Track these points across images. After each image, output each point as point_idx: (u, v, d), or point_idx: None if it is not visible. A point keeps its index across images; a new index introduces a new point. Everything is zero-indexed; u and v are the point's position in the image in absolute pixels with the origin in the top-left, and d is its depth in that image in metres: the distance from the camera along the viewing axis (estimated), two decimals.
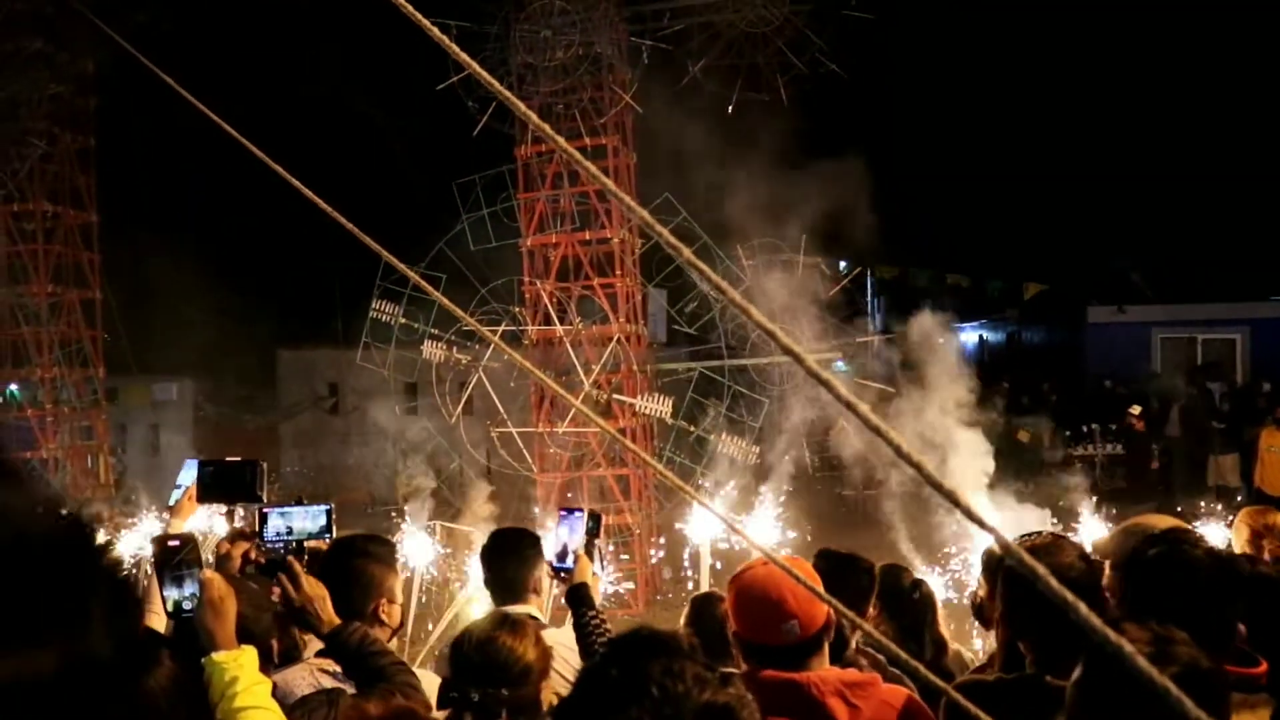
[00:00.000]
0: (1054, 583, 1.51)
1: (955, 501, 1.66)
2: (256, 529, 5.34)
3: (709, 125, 20.74)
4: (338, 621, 4.75)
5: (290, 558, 4.88)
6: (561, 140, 2.24)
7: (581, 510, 6.22)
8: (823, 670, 3.85)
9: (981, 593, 5.36)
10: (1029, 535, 4.91)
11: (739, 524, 11.19)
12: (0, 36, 21.31)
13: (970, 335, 49.81)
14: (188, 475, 5.96)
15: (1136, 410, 27.58)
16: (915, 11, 20.56)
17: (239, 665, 3.86)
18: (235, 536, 5.65)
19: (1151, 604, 3.67)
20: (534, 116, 2.33)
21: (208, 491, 5.83)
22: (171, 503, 6.05)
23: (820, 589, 3.25)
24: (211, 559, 5.44)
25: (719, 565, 11.70)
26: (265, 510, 5.33)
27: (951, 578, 11.81)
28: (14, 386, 25.25)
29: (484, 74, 2.24)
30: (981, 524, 1.65)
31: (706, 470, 20.19)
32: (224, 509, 5.82)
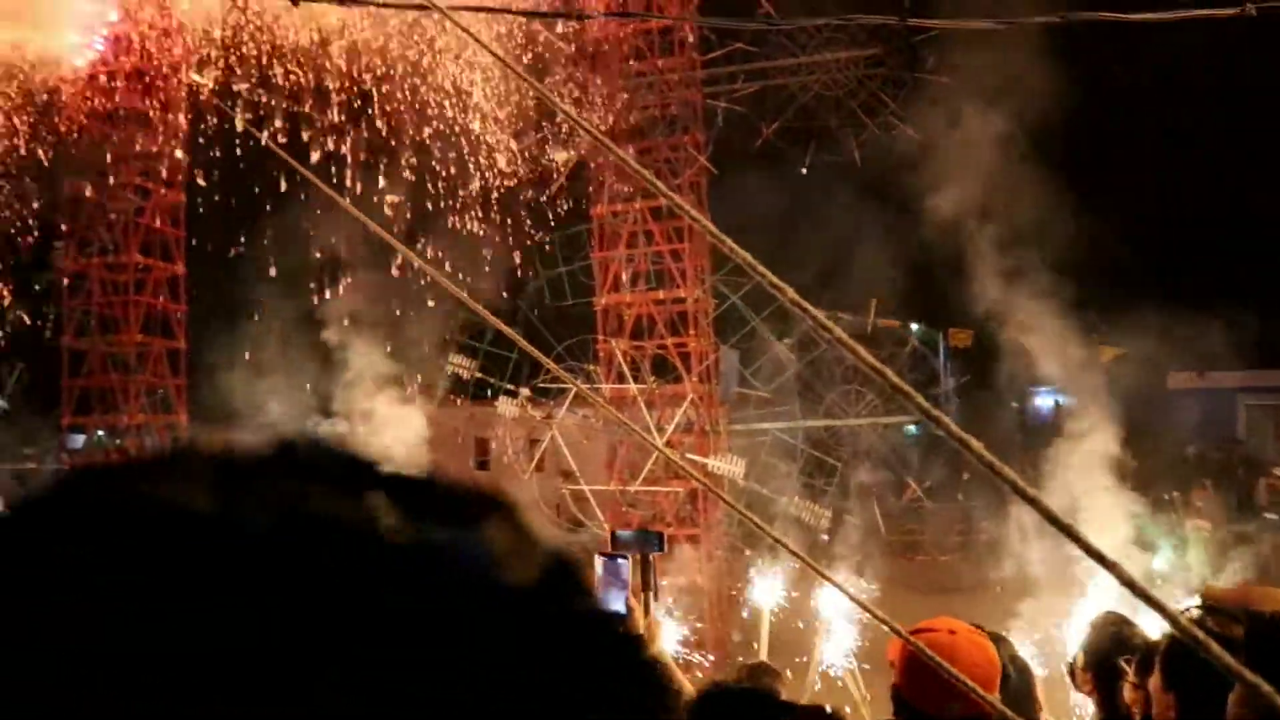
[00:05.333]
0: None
1: (1081, 542, 1.61)
2: None
3: (782, 185, 20.86)
4: None
5: None
6: (648, 175, 2.32)
7: (625, 557, 5.44)
8: None
9: (1123, 682, 4.39)
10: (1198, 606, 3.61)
11: (847, 591, 11.00)
12: (104, 97, 22.22)
13: (1045, 400, 49.03)
14: None
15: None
16: (989, 72, 20.52)
17: None
18: None
19: None
20: (618, 151, 2.41)
21: None
22: None
23: (997, 675, 3.23)
24: None
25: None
26: None
27: (1037, 644, 11.54)
28: (101, 432, 25.96)
29: (565, 108, 2.34)
30: (1111, 567, 1.55)
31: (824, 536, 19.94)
32: None
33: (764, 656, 8.74)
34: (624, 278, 22.11)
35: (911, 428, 28.10)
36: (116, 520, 0.55)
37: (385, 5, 8.38)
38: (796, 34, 21.63)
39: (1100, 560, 1.58)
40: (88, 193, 22.98)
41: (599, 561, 5.40)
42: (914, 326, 31.97)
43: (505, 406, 21.95)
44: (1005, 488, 1.74)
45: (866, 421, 26.94)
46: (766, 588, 10.44)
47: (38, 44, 19.20)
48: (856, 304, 23.13)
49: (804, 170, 21.67)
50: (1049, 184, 20.87)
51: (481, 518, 0.61)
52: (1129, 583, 1.58)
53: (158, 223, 24.94)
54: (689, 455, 20.85)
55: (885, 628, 2.72)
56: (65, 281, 24.86)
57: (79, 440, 26.92)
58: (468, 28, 7.30)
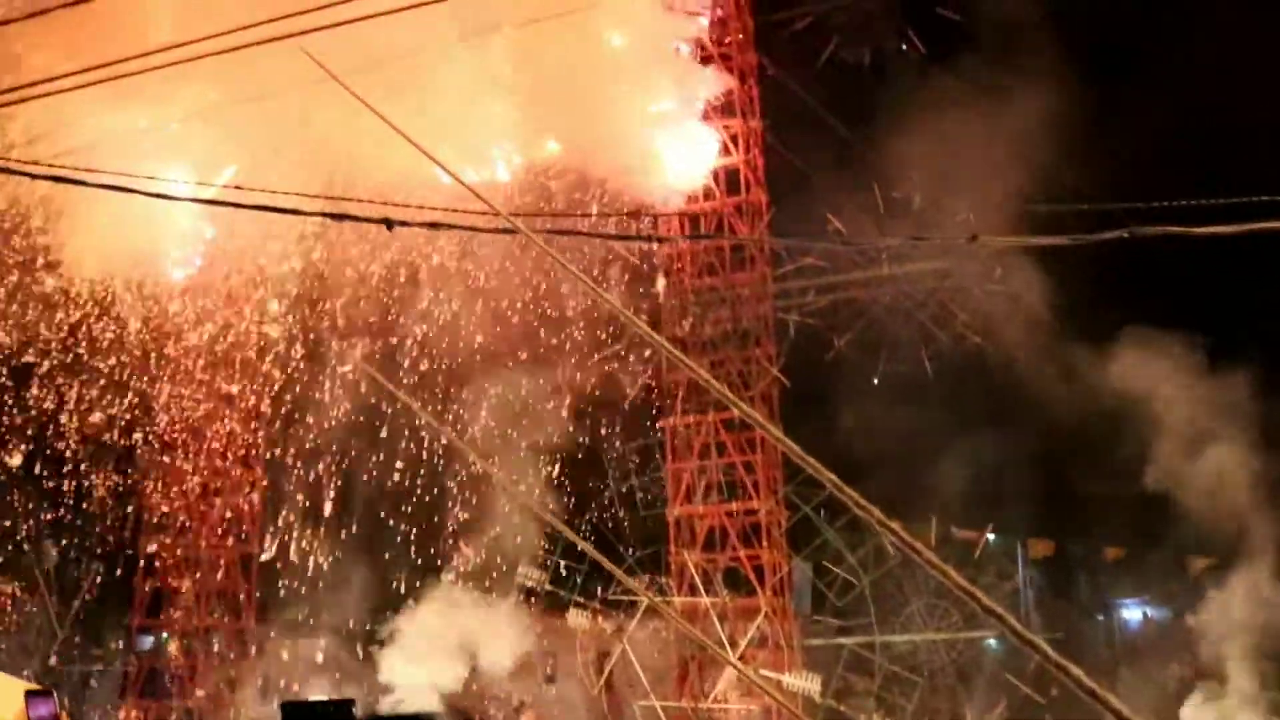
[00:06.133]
0: None
1: None
2: None
3: (855, 397, 20.92)
4: None
5: None
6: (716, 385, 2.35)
7: None
8: None
9: None
10: None
11: None
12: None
13: (1133, 613, 47.20)
14: None
15: None
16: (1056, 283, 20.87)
17: None
18: None
19: None
20: (691, 365, 2.45)
21: None
22: None
23: None
24: None
25: None
26: None
27: None
28: (166, 634, 26.00)
29: (640, 324, 2.39)
30: None
31: None
32: None
33: None
34: (696, 489, 22.03)
35: (993, 641, 27.12)
36: None
37: (472, 230, 8.74)
38: (867, 248, 22.13)
39: None
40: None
41: None
42: (990, 536, 31.29)
43: (576, 619, 21.64)
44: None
45: (946, 636, 26.05)
46: None
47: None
48: (930, 513, 22.74)
49: (875, 381, 21.73)
50: (1128, 391, 20.71)
51: None
52: None
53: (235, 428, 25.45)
54: (763, 671, 20.27)
55: None
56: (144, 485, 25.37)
57: (148, 642, 26.96)
58: (548, 248, 7.58)
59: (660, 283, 22.36)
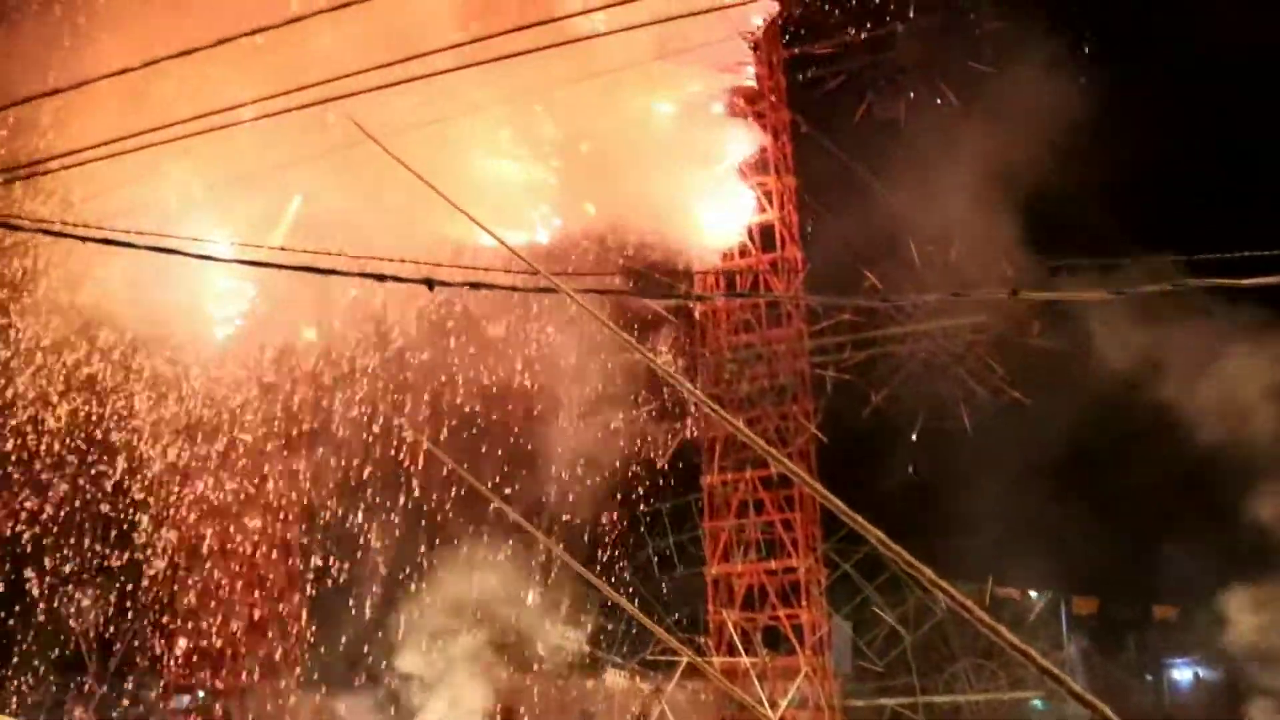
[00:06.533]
0: None
1: None
2: None
3: (892, 453, 20.75)
4: None
5: None
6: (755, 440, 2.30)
7: None
8: None
9: None
10: None
11: None
12: None
13: (1183, 673, 46.15)
14: None
15: None
16: (1101, 337, 20.67)
17: None
18: None
19: None
20: (730, 419, 2.41)
21: None
22: None
23: None
24: None
25: None
26: None
27: None
28: (202, 692, 25.98)
29: (678, 378, 2.36)
30: None
31: None
32: None
33: None
34: (734, 547, 21.86)
35: (1038, 702, 26.62)
36: None
37: (514, 289, 8.77)
38: (904, 303, 22.09)
39: None
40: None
41: None
42: (1033, 594, 30.83)
43: (613, 679, 21.44)
44: None
45: (990, 696, 25.57)
46: None
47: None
48: (973, 570, 22.44)
49: (914, 436, 21.57)
50: (1174, 451, 20.47)
51: None
52: None
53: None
54: None
55: None
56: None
57: (184, 701, 26.95)
58: (589, 306, 7.58)
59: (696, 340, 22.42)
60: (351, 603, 24.84)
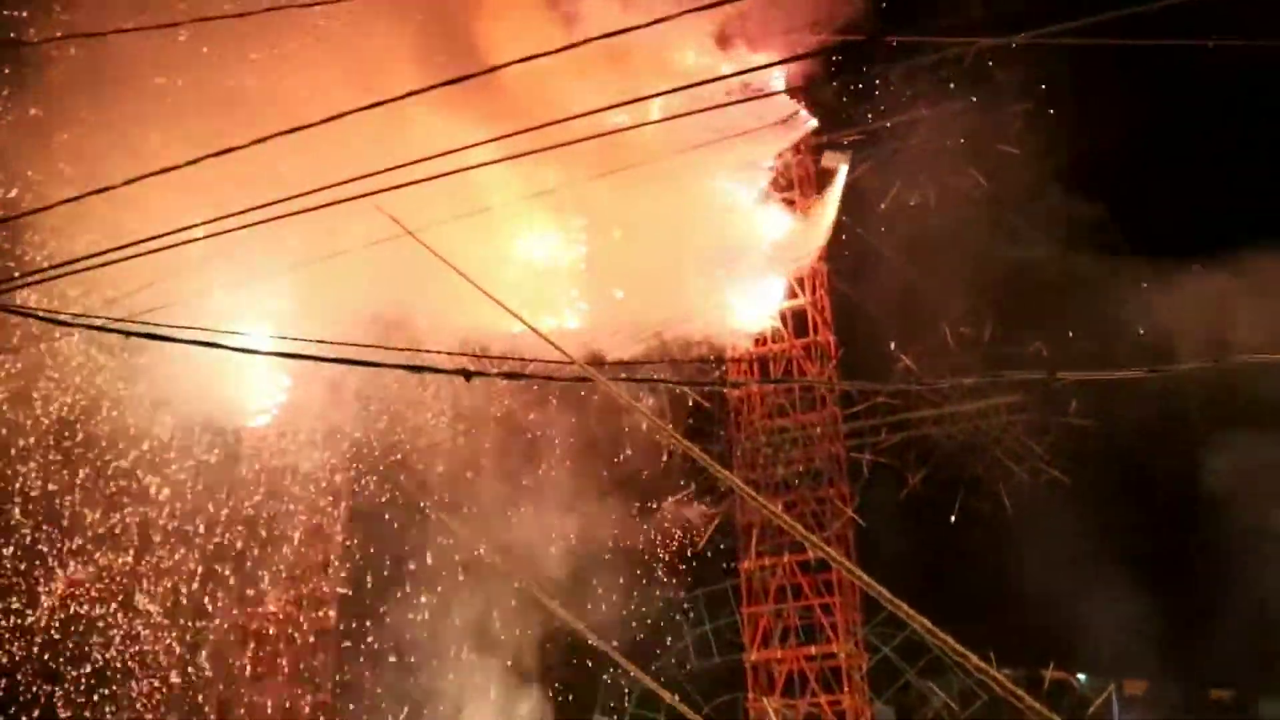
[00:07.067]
0: None
1: None
2: None
3: (931, 536, 20.57)
4: None
5: None
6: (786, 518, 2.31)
7: None
8: None
9: None
10: None
11: None
12: None
13: None
14: None
15: None
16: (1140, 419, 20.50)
17: None
18: None
19: None
20: (768, 505, 2.42)
21: None
22: None
23: None
24: None
25: None
26: None
27: None
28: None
29: (714, 464, 2.38)
30: None
31: None
32: None
33: None
34: (773, 633, 21.63)
35: None
36: None
37: (549, 378, 8.85)
38: (941, 386, 22.08)
39: None
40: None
41: None
42: (1080, 677, 30.16)
43: None
44: None
45: None
46: None
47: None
48: (1017, 653, 22.04)
49: (953, 519, 21.39)
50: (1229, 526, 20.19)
51: None
52: None
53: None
54: None
55: None
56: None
57: None
58: (624, 395, 7.63)
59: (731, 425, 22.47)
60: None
